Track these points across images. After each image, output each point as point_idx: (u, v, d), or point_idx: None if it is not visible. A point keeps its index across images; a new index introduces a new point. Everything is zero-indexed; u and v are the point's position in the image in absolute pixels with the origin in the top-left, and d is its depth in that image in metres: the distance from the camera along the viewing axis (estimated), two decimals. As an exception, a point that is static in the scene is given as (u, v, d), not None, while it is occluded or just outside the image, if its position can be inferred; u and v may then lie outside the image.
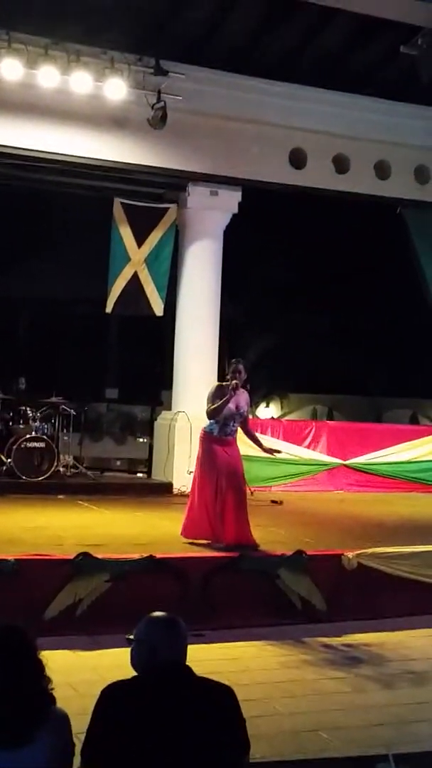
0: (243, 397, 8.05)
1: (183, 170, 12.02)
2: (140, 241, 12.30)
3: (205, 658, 5.12)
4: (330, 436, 13.34)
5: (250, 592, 7.18)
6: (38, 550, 7.12)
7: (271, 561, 7.44)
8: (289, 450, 12.81)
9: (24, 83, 10.57)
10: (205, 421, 8.12)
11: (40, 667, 2.80)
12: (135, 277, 12.33)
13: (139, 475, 13.63)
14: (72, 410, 12.08)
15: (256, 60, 11.52)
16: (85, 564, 6.73)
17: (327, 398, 21.18)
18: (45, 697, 2.78)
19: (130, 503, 10.74)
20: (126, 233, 12.27)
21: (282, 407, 21.35)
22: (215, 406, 7.89)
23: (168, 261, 12.45)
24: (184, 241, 12.65)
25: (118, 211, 12.24)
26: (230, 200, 12.56)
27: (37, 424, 11.54)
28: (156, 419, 13.16)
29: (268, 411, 20.96)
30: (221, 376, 8.43)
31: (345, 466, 13.15)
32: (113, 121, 11.32)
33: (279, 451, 8.63)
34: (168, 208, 12.47)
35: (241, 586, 7.17)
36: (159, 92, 11.04)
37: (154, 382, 14.22)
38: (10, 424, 11.76)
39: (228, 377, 8.02)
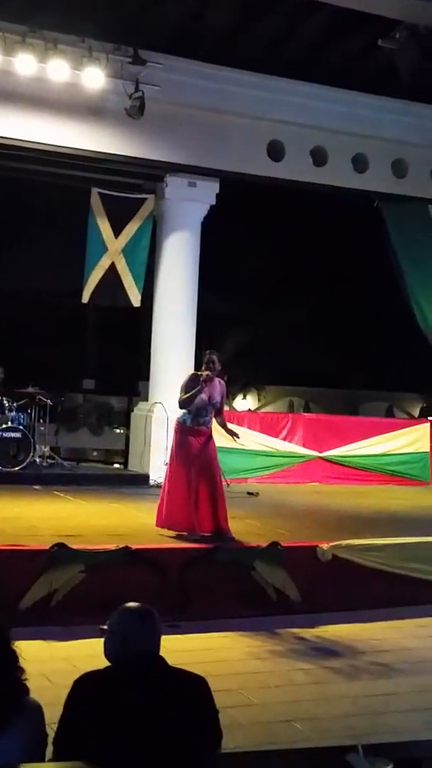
0: (217, 388, 8.06)
1: (161, 161, 11.98)
2: (117, 231, 12.26)
3: (180, 649, 5.13)
4: (306, 429, 13.37)
5: (226, 584, 7.20)
6: (13, 541, 7.12)
7: (246, 552, 7.46)
8: (265, 442, 12.87)
9: (1, 70, 10.50)
10: (180, 412, 8.12)
11: (13, 657, 2.80)
12: (112, 268, 12.31)
13: (116, 465, 13.62)
14: (48, 401, 12.03)
15: (234, 51, 11.50)
16: (60, 555, 6.73)
17: (304, 391, 21.20)
18: (18, 687, 2.78)
19: (106, 494, 10.74)
20: (103, 223, 12.23)
21: (259, 399, 21.35)
22: (186, 396, 7.90)
23: (145, 252, 12.42)
24: (162, 232, 12.61)
25: (95, 202, 12.19)
26: (208, 192, 12.56)
27: (14, 414, 11.47)
28: (133, 410, 13.15)
29: (245, 403, 20.95)
30: (198, 368, 8.41)
31: (321, 458, 13.19)
32: (91, 110, 11.25)
33: (237, 435, 8.56)
34: (146, 198, 12.45)
35: (217, 577, 7.19)
36: (137, 82, 11.00)
37: (131, 373, 14.19)
38: (-14, 414, 11.69)
39: (203, 368, 8.03)
